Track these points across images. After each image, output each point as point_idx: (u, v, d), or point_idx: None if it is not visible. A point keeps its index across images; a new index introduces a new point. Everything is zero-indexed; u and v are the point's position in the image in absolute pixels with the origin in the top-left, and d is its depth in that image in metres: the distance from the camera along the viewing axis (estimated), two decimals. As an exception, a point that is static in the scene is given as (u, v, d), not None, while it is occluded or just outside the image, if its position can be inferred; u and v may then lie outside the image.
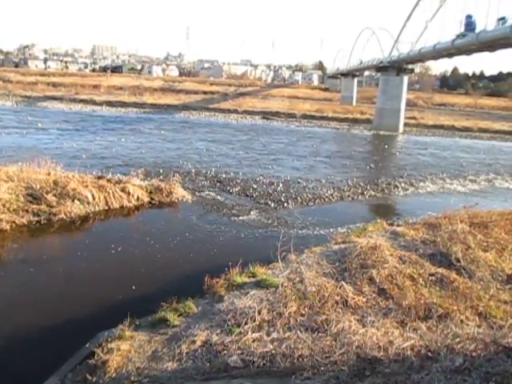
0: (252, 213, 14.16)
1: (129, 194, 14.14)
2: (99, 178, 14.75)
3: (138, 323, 6.67)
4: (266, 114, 51.50)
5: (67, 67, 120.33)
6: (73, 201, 12.84)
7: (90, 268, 9.58)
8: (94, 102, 52.55)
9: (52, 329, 7.11)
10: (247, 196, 16.35)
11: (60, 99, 53.98)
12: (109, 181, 14.50)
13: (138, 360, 5.76)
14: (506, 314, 7.02)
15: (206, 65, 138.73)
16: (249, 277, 8.25)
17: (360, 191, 18.47)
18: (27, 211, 12.04)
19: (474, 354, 4.95)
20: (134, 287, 8.67)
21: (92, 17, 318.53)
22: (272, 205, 15.34)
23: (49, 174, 13.74)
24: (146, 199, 14.53)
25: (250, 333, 6.10)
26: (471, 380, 4.22)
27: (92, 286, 8.75)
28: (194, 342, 5.99)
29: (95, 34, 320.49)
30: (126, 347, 5.97)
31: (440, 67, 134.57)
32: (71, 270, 9.39)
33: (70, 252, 10.57)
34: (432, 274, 8.46)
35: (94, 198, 13.32)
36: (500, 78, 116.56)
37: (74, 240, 11.56)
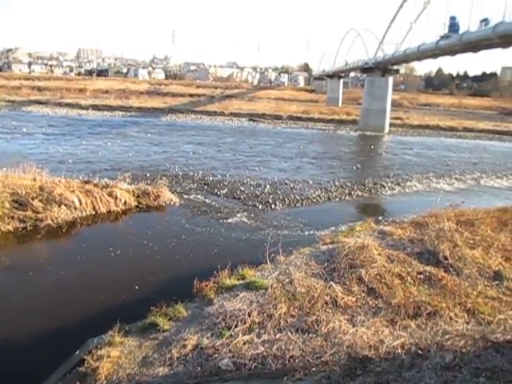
0: (240, 215, 14.14)
1: (116, 198, 14.02)
2: (86, 182, 14.60)
3: (127, 329, 6.61)
4: (253, 116, 51.48)
5: (52, 71, 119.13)
6: (59, 206, 12.69)
7: (78, 274, 9.47)
8: (79, 106, 52.00)
9: (41, 337, 7.01)
10: (235, 198, 16.33)
11: (45, 103, 53.41)
12: (96, 185, 14.36)
13: (128, 366, 5.70)
14: (493, 310, 7.10)
15: (192, 67, 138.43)
16: (238, 279, 8.24)
17: (347, 191, 18.57)
18: (13, 218, 11.86)
19: (463, 350, 4.99)
20: (123, 292, 8.60)
21: (77, 20, 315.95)
22: (260, 206, 15.34)
23: (34, 179, 13.55)
24: (134, 203, 14.41)
25: (240, 335, 6.09)
26: (462, 376, 4.25)
27: (80, 292, 8.64)
28: (184, 346, 5.96)
29: (80, 37, 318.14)
30: (116, 353, 5.91)
31: (424, 68, 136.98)
32: (59, 277, 9.26)
33: (57, 258, 10.44)
34: (420, 273, 8.53)
35: (80, 203, 13.18)
36: (483, 78, 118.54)
37: (61, 246, 11.42)
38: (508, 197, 18.91)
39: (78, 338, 6.55)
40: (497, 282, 8.48)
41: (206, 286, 7.80)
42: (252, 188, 17.88)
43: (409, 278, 8.30)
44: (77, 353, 6.17)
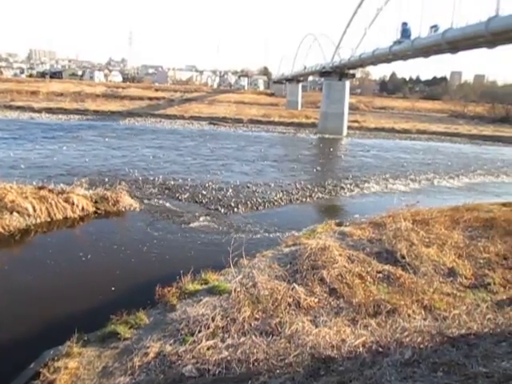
0: (202, 219, 14.03)
1: (73, 204, 13.58)
2: (40, 188, 14.05)
3: (86, 339, 6.41)
4: (213, 120, 51.31)
5: (1, 72, 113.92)
6: (11, 213, 12.15)
7: (32, 283, 9.08)
8: (32, 109, 49.99)
9: (-8, 351, 6.67)
10: (197, 202, 16.19)
11: (-6, 106, 51.02)
12: (51, 191, 13.85)
13: (87, 377, 5.53)
14: (448, 306, 7.39)
15: (151, 70, 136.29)
16: (201, 284, 8.18)
17: (308, 194, 18.82)
18: (-40, 226, 11.26)
19: (421, 345, 5.14)
20: (81, 301, 8.32)
21: (28, 20, 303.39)
22: (222, 210, 15.29)
23: (-17, 186, 12.93)
24: (92, 209, 14.01)
25: (204, 341, 6.03)
26: (420, 371, 4.38)
27: (35, 301, 8.30)
28: (146, 354, 5.84)
29: (32, 37, 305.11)
30: (74, 365, 5.72)
31: (379, 72, 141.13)
32: (11, 286, 8.86)
33: (9, 267, 9.94)
34: (379, 272, 8.76)
35: (34, 210, 12.67)
36: (434, 82, 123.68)
37: (13, 255, 10.94)
38: (459, 196, 19.74)
39: (32, 350, 6.28)
40: (451, 278, 8.84)
41: (169, 291, 7.69)
42: (214, 192, 17.79)
43: (369, 277, 8.51)
44: (32, 365, 5.92)
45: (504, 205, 15.05)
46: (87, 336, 6.47)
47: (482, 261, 9.70)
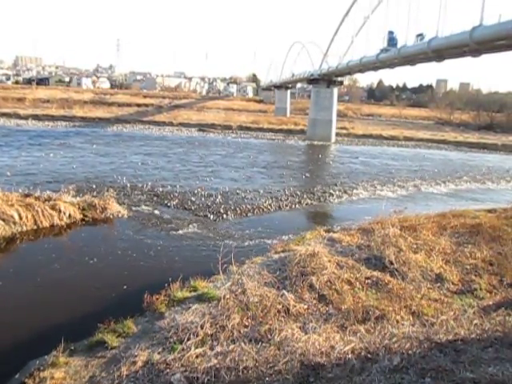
0: (191, 226, 13.98)
1: (60, 211, 13.44)
2: (26, 195, 13.89)
3: (73, 348, 6.33)
4: (202, 126, 51.30)
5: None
6: (-4, 221, 11.99)
7: (18, 292, 8.95)
8: (18, 116, 49.45)
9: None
10: (186, 209, 16.12)
11: (-21, 113, 50.34)
12: (37, 198, 13.69)
13: (74, 387, 5.44)
14: (436, 312, 7.45)
15: (139, 77, 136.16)
16: (190, 291, 8.13)
17: (297, 200, 18.86)
18: None
19: (409, 351, 5.17)
20: (68, 310, 8.22)
21: (14, 26, 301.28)
22: (211, 217, 15.25)
23: (-33, 193, 12.75)
24: (79, 216, 13.87)
25: (193, 348, 5.99)
26: (408, 377, 4.40)
27: (19, 311, 8.17)
28: (134, 362, 5.77)
29: (18, 44, 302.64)
30: (60, 375, 5.63)
31: (367, 80, 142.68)
32: (-4, 296, 8.71)
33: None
34: (368, 278, 8.80)
35: (20, 218, 12.52)
36: (420, 89, 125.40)
37: (-2, 263, 10.77)
38: (446, 202, 19.96)
39: (17, 360, 6.18)
40: (438, 284, 8.91)
41: (157, 299, 7.64)
42: (203, 198, 17.74)
43: (357, 283, 8.54)
44: (17, 376, 5.83)
45: (489, 211, 15.26)
46: (74, 345, 6.39)
47: (468, 266, 9.81)
